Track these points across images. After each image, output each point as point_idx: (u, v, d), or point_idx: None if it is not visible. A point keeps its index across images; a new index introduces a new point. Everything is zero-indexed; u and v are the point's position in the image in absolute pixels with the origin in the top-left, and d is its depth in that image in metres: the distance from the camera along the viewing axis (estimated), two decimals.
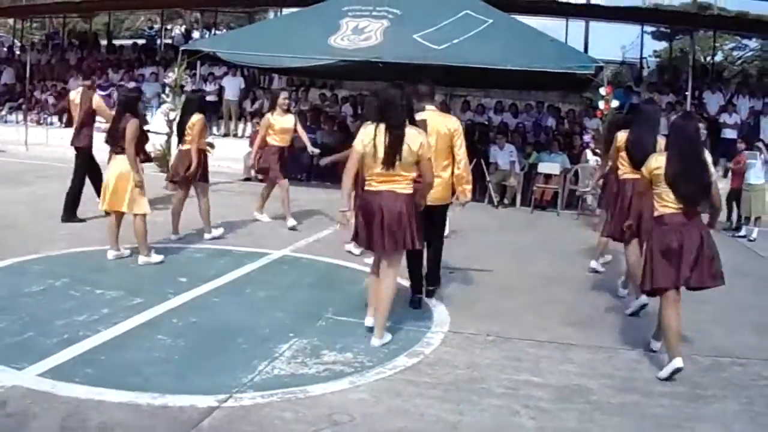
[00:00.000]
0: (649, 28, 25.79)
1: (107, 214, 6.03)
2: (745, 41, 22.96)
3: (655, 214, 4.14)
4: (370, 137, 4.14)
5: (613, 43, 28.21)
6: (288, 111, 7.85)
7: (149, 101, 15.19)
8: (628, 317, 5.14)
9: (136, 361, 3.79)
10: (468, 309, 5.14)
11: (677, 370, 3.97)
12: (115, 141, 5.76)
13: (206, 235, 6.87)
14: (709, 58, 22.60)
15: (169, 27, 20.91)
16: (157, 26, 20.07)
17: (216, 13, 18.51)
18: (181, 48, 10.85)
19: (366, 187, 4.27)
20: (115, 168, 5.75)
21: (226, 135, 14.13)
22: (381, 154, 4.09)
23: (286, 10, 14.93)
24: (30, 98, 15.94)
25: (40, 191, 8.96)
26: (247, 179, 11.01)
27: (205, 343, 4.14)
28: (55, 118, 15.05)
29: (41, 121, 15.61)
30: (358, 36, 9.85)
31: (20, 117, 16.50)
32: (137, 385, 3.45)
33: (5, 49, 20.19)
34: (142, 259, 5.81)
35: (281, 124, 7.67)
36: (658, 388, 3.91)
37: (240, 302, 5.00)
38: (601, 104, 8.79)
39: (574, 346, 4.52)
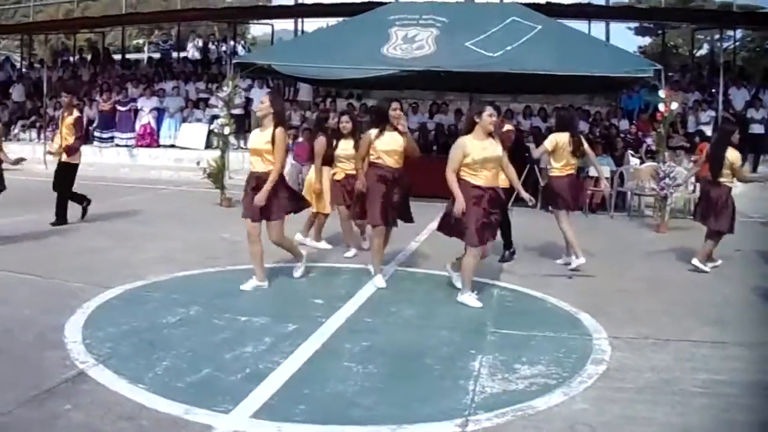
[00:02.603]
0: (633, 24, 26.29)
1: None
2: (728, 32, 23.52)
3: None
4: (557, 141, 6.76)
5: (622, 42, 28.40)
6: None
7: (172, 115, 15.09)
8: (748, 313, 5.46)
9: (343, 392, 3.68)
10: (606, 315, 5.25)
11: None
12: (312, 156, 7.19)
13: (365, 243, 7.26)
14: (695, 51, 23.15)
15: (159, 41, 20.56)
16: (172, 41, 19.85)
17: (235, 26, 18.33)
18: (234, 61, 10.77)
19: (558, 174, 6.83)
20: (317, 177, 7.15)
21: None
22: (569, 150, 6.77)
23: (309, 21, 14.87)
24: (44, 115, 15.67)
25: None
26: None
27: (397, 367, 4.10)
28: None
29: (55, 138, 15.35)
30: (410, 45, 9.90)
31: (33, 135, 16.24)
32: (365, 419, 3.36)
33: (16, 65, 19.90)
34: (311, 242, 7.36)
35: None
36: None
37: (395, 322, 4.99)
38: (661, 107, 9.02)
39: (726, 344, 4.69)
